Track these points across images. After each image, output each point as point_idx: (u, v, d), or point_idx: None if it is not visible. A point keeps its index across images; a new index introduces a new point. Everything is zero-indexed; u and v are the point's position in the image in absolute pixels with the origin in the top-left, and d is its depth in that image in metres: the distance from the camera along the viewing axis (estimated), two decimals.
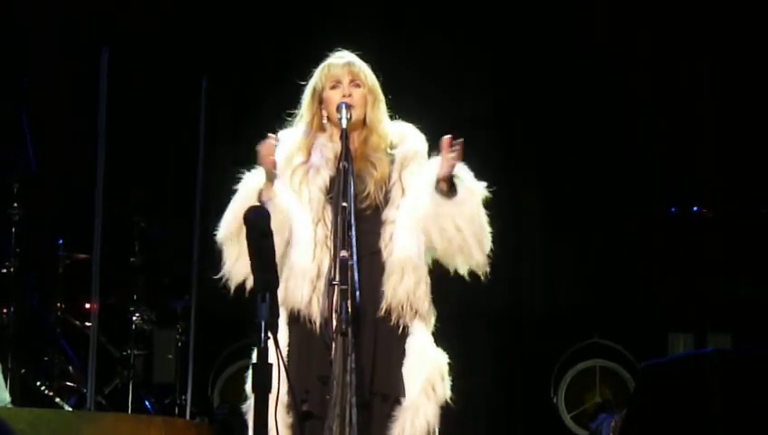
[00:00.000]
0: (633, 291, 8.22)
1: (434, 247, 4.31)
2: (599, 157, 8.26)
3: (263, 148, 4.25)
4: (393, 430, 4.22)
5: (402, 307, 4.26)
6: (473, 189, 4.29)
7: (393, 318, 4.27)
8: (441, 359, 4.34)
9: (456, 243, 4.27)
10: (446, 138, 4.21)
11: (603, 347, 8.11)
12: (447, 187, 4.25)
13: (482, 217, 4.29)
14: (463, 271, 4.34)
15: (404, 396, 4.24)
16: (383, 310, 4.26)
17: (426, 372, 4.26)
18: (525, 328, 8.22)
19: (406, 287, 4.27)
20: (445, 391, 4.30)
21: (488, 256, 4.31)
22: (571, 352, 8.11)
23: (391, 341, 4.27)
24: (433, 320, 4.37)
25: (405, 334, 4.28)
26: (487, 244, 4.31)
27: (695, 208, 7.20)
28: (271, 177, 4.27)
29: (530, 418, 8.16)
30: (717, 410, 4.43)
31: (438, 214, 4.25)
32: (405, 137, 4.46)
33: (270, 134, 4.30)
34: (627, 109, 8.23)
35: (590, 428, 7.22)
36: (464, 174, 4.29)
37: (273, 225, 3.57)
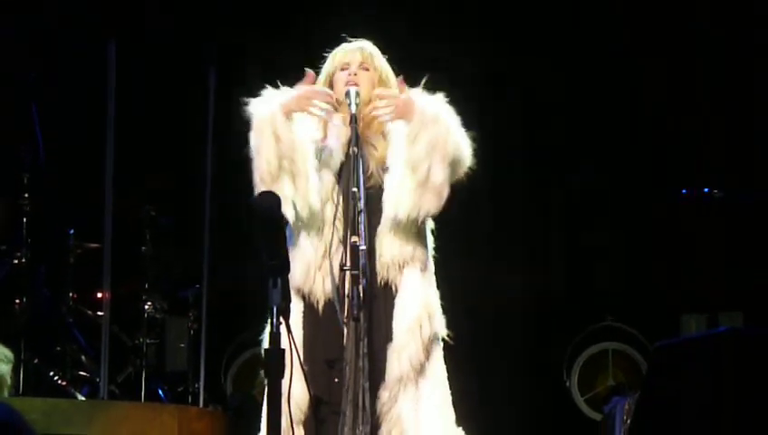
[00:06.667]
0: (645, 273, 8.20)
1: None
2: (610, 141, 8.24)
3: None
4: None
5: (387, 268, 4.27)
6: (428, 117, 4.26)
7: (380, 280, 4.26)
8: (431, 298, 4.34)
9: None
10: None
11: (616, 330, 8.09)
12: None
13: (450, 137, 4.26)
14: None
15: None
16: (377, 272, 4.25)
17: (414, 310, 4.25)
18: (538, 312, 8.20)
19: (391, 247, 4.26)
20: (432, 329, 4.29)
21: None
22: (584, 335, 8.10)
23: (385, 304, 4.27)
24: (431, 265, 4.36)
25: (396, 288, 4.28)
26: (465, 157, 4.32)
27: (705, 190, 7.18)
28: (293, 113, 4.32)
29: (542, 401, 8.15)
30: (730, 389, 4.42)
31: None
32: None
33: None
34: (639, 91, 8.20)
35: (603, 411, 7.21)
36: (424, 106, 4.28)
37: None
